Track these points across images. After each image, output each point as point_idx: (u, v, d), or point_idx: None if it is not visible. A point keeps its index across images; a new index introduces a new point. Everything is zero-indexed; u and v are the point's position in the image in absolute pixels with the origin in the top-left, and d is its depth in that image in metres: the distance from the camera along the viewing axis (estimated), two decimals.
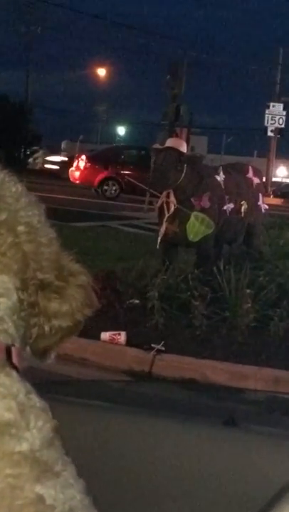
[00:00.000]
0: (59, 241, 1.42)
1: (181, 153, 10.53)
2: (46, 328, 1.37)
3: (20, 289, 1.33)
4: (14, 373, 1.24)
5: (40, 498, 1.13)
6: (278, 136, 26.65)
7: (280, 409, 2.89)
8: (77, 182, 36.13)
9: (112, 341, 8.39)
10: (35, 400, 1.25)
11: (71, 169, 37.15)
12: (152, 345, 7.90)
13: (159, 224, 10.65)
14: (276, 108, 24.42)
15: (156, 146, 12.05)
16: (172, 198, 10.28)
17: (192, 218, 10.17)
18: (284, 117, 25.06)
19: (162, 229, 10.48)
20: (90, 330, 8.45)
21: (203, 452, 1.99)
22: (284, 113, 25.24)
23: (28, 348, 1.39)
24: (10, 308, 1.32)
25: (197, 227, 10.21)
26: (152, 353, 7.69)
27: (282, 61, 34.92)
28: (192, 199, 10.33)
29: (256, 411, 2.91)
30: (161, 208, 10.52)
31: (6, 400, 1.19)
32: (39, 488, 1.14)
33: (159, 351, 7.72)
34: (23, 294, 1.34)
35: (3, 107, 40.22)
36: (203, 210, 10.32)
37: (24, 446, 1.17)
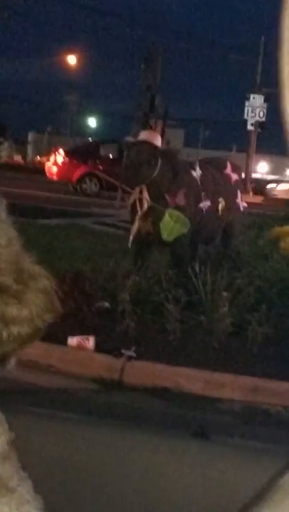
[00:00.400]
0: (20, 241, 1.43)
1: (155, 147, 10.56)
2: (4, 334, 1.36)
3: None
4: None
5: None
6: (259, 130, 26.77)
7: (258, 419, 2.91)
8: (55, 178, 36.03)
9: (79, 346, 8.40)
10: None
11: (47, 164, 37.07)
12: (123, 351, 7.93)
13: (131, 222, 10.66)
14: (256, 100, 24.64)
15: (129, 139, 12.05)
16: (145, 195, 10.30)
17: (166, 216, 10.20)
18: (265, 110, 25.25)
19: (135, 227, 10.51)
20: (56, 334, 8.46)
21: (170, 466, 2.01)
22: (265, 105, 25.43)
23: None
24: None
25: (172, 225, 10.24)
26: (123, 359, 7.71)
27: (263, 50, 35.10)
28: (166, 196, 10.36)
29: (232, 422, 2.94)
30: (133, 205, 10.53)
31: None
32: None
33: (129, 358, 7.75)
34: None
35: None
36: (178, 207, 10.36)
37: None
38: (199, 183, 10.74)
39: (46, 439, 2.04)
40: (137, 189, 10.37)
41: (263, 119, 25.01)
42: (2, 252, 1.36)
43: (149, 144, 10.55)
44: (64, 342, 8.41)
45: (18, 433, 1.99)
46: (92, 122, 56.79)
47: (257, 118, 24.48)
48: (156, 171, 10.25)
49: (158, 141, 10.75)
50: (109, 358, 7.92)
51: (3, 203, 1.43)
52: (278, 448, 2.02)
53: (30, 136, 47.85)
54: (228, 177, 11.27)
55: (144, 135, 11.02)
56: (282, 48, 0.71)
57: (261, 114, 24.52)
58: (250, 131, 26.15)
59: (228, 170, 11.36)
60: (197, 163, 11.21)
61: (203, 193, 10.72)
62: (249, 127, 25.00)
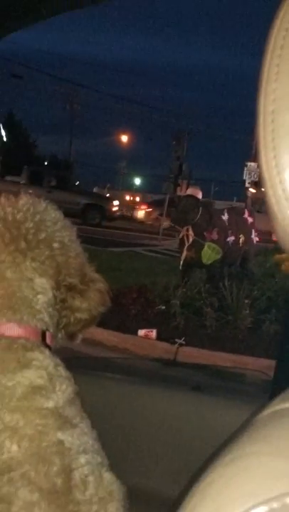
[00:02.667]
0: (85, 255, 1.45)
1: (197, 199, 10.52)
2: (71, 318, 1.39)
3: (55, 289, 1.35)
4: (47, 351, 1.27)
5: (61, 442, 1.15)
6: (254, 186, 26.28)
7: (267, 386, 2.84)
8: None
9: (146, 336, 8.33)
10: (62, 371, 1.26)
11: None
12: (176, 340, 7.85)
13: (181, 251, 10.63)
14: (252, 166, 24.17)
15: (181, 193, 12.00)
16: (191, 232, 10.26)
17: (206, 247, 10.17)
18: (258, 173, 24.75)
19: (183, 255, 10.48)
20: (130, 328, 8.48)
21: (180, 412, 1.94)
22: (258, 170, 24.93)
23: (61, 334, 1.41)
24: (46, 303, 1.33)
25: (209, 253, 10.20)
26: (176, 345, 7.62)
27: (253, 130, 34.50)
28: (205, 233, 10.34)
29: (252, 388, 2.82)
30: (182, 239, 10.50)
31: (39, 370, 1.21)
32: (60, 435, 1.16)
33: (180, 344, 7.62)
34: (57, 292, 1.36)
35: (54, 163, 40.31)
36: (213, 241, 10.32)
37: (50, 404, 1.19)
38: (227, 224, 10.70)
39: (115, 396, 1.98)
40: (185, 228, 10.33)
41: (257, 179, 24.53)
42: (72, 262, 1.37)
43: (193, 197, 10.52)
44: (135, 333, 8.34)
45: (95, 389, 1.94)
46: (137, 181, 56.27)
47: (252, 178, 24.01)
48: (198, 216, 10.22)
49: (199, 195, 10.69)
50: (167, 345, 7.82)
51: (75, 229, 1.45)
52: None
53: (95, 190, 47.37)
54: (246, 220, 11.18)
55: (190, 191, 10.95)
56: (258, 120, 0.61)
57: (255, 176, 24.03)
58: (247, 187, 25.62)
59: (246, 215, 11.29)
60: (225, 210, 11.15)
61: (229, 231, 10.66)
62: (247, 185, 24.49)
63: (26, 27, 1.67)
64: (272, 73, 0.61)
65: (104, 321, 8.05)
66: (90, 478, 1.14)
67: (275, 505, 0.48)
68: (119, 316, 8.81)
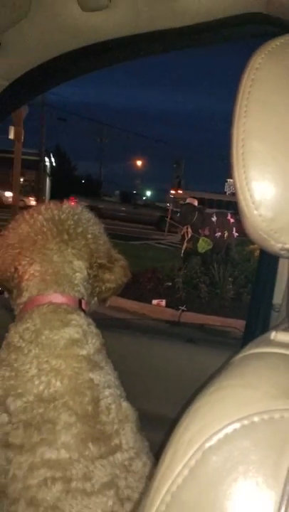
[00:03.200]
0: (111, 242, 1.43)
1: (194, 206, 10.52)
2: (103, 288, 1.37)
3: (88, 268, 1.33)
4: (82, 314, 1.25)
5: (91, 380, 1.14)
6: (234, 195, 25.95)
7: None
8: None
9: (158, 305, 8.31)
10: (93, 328, 1.25)
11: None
12: (179, 307, 7.82)
13: (182, 244, 10.67)
14: (231, 182, 24.05)
15: (182, 202, 11.99)
16: (189, 230, 10.28)
17: (200, 240, 10.18)
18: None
19: (184, 246, 10.50)
20: (146, 298, 8.46)
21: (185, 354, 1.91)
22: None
23: (95, 300, 1.39)
24: (82, 279, 1.31)
25: (203, 245, 10.21)
26: (179, 311, 7.60)
27: None
28: (200, 230, 10.34)
29: (232, 341, 2.75)
30: (183, 235, 10.55)
31: (76, 327, 1.20)
32: (91, 375, 1.15)
33: (183, 310, 7.62)
34: (90, 270, 1.34)
35: (89, 183, 40.34)
36: (205, 236, 10.33)
37: (84, 352, 1.18)
38: (215, 224, 10.68)
39: (133, 346, 1.94)
40: (185, 227, 10.36)
41: (234, 190, 24.29)
42: (101, 247, 1.36)
43: (191, 205, 10.52)
44: (150, 302, 8.35)
45: (119, 342, 1.88)
46: (148, 193, 55.84)
47: (231, 190, 23.92)
48: (195, 218, 10.22)
49: (195, 203, 10.69)
50: (173, 310, 7.78)
51: (102, 225, 1.43)
52: None
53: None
54: (229, 221, 11.15)
55: (188, 200, 10.96)
56: (233, 146, 0.62)
57: (233, 188, 23.84)
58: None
59: (228, 217, 11.25)
60: (214, 214, 11.14)
61: (217, 229, 10.66)
62: (228, 194, 24.35)
63: (66, 82, 1.66)
64: (242, 112, 0.62)
65: (127, 294, 8.12)
66: (112, 406, 1.14)
67: (245, 422, 0.49)
68: (138, 290, 8.82)
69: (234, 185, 0.64)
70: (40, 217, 1.33)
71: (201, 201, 12.75)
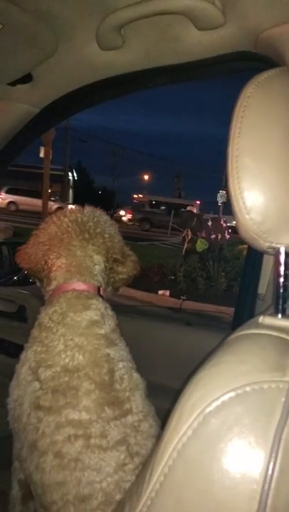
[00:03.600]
0: (124, 241, 1.41)
1: (193, 213, 10.58)
2: (116, 278, 1.37)
3: (105, 261, 1.33)
4: (100, 299, 1.25)
5: (108, 354, 1.14)
6: (223, 204, 25.61)
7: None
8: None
9: (163, 295, 8.32)
10: (109, 311, 1.25)
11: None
12: (180, 296, 7.81)
13: (183, 244, 10.65)
14: (222, 193, 23.78)
15: (183, 209, 12.02)
16: (189, 233, 10.28)
17: (198, 241, 10.17)
18: (225, 197, 24.02)
19: (184, 246, 10.49)
20: (153, 289, 8.45)
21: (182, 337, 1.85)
22: (226, 195, 24.19)
23: (110, 288, 1.38)
24: (100, 270, 1.31)
25: (200, 245, 10.19)
26: (181, 300, 7.58)
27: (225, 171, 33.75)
28: (198, 233, 10.33)
29: (224, 325, 2.68)
30: (184, 237, 10.55)
31: (95, 311, 1.20)
32: (108, 350, 1.15)
33: (183, 299, 7.61)
34: (106, 263, 1.34)
35: (104, 193, 40.26)
36: (202, 237, 10.32)
37: (102, 331, 1.18)
38: (210, 227, 10.68)
39: (142, 328, 1.90)
40: (185, 230, 10.36)
41: (225, 200, 23.86)
42: (116, 245, 1.35)
43: (191, 212, 10.57)
44: (156, 292, 8.35)
45: (129, 324, 1.76)
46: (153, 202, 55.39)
47: (223, 200, 23.64)
48: (194, 223, 10.22)
49: (194, 210, 10.79)
50: (175, 300, 7.78)
51: (117, 226, 1.42)
52: None
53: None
54: (222, 225, 11.15)
55: (189, 208, 11.01)
56: (228, 160, 0.63)
57: (224, 199, 23.49)
58: (219, 206, 25.08)
59: (222, 222, 11.25)
60: (210, 219, 11.17)
61: (212, 232, 10.67)
62: (219, 204, 24.09)
63: (86, 109, 1.67)
64: (236, 133, 0.62)
65: (137, 286, 8.09)
66: (125, 376, 1.14)
67: (239, 391, 0.51)
68: (146, 283, 8.79)
69: (228, 194, 0.65)
70: (65, 219, 1.33)
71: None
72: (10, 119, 1.59)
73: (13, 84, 1.45)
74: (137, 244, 15.07)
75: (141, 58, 1.36)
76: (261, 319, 0.61)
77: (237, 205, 0.62)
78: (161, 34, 1.26)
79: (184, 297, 7.87)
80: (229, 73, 1.39)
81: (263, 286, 1.61)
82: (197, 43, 1.25)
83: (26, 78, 1.43)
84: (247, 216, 0.62)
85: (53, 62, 1.38)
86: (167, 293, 8.39)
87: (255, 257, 1.66)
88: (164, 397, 1.19)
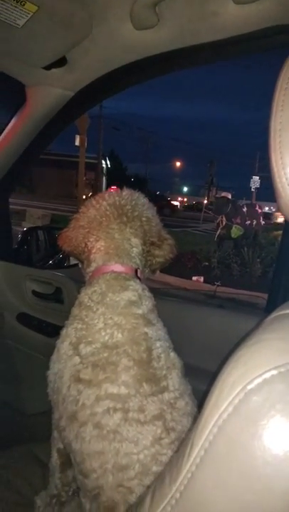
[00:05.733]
0: (162, 225, 1.38)
1: (228, 198, 10.42)
2: (153, 261, 1.36)
3: (143, 244, 1.32)
4: (138, 281, 1.26)
5: (146, 333, 1.14)
6: (257, 190, 25.14)
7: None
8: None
9: (197, 280, 8.33)
10: (147, 292, 1.24)
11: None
12: (215, 282, 7.80)
13: (217, 229, 10.56)
14: (255, 178, 23.41)
15: (217, 195, 11.92)
16: (224, 219, 10.15)
17: (234, 228, 10.06)
18: (259, 183, 23.65)
19: (218, 232, 10.40)
20: (187, 275, 8.46)
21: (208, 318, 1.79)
22: (259, 180, 23.79)
23: (147, 270, 1.37)
24: (138, 253, 1.31)
25: (235, 232, 10.08)
26: (215, 285, 7.58)
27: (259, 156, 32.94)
28: (232, 219, 10.19)
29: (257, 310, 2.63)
30: (218, 223, 10.42)
31: (133, 291, 1.20)
32: (146, 329, 1.15)
33: (218, 285, 7.61)
34: (144, 246, 1.33)
35: (137, 181, 40.19)
36: (237, 223, 10.18)
37: (140, 311, 1.18)
38: (245, 214, 10.50)
39: (178, 311, 1.81)
40: (220, 216, 10.24)
41: (258, 186, 23.45)
42: (153, 228, 1.34)
43: (225, 197, 10.42)
44: (190, 278, 8.37)
45: (169, 308, 1.78)
46: (185, 189, 54.85)
47: (256, 186, 23.23)
48: (229, 209, 10.08)
49: (229, 196, 10.64)
50: (209, 286, 7.78)
51: (155, 209, 1.39)
52: None
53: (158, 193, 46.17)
54: (256, 211, 10.95)
55: (223, 194, 10.91)
56: (270, 134, 0.61)
57: (258, 185, 23.10)
58: (252, 192, 24.62)
59: (256, 207, 11.06)
60: (245, 205, 11.00)
61: (247, 218, 10.49)
62: (252, 190, 23.71)
63: (121, 92, 1.65)
64: (279, 106, 0.60)
65: (172, 271, 8.09)
66: (162, 355, 1.15)
67: (282, 369, 0.50)
68: (181, 268, 8.84)
69: (270, 169, 0.63)
70: (104, 202, 1.34)
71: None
72: (45, 103, 1.59)
73: (48, 68, 1.44)
74: (171, 230, 15.06)
75: (177, 37, 1.33)
76: None
77: (279, 182, 0.60)
78: (197, 10, 1.22)
79: (218, 283, 7.89)
80: (268, 50, 1.34)
81: None
82: (234, 18, 1.21)
83: (61, 62, 1.42)
84: None
85: (88, 44, 1.37)
86: (201, 279, 8.37)
87: None
88: (198, 379, 1.19)
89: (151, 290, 1.31)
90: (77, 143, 14.17)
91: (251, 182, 24.17)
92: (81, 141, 14.05)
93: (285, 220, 1.64)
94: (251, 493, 0.48)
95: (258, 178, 24.19)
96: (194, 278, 8.42)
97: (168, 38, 1.34)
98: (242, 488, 0.49)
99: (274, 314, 0.60)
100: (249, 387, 0.50)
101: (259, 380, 0.50)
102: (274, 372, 0.49)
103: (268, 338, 0.54)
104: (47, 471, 1.32)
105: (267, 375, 0.50)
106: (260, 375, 0.50)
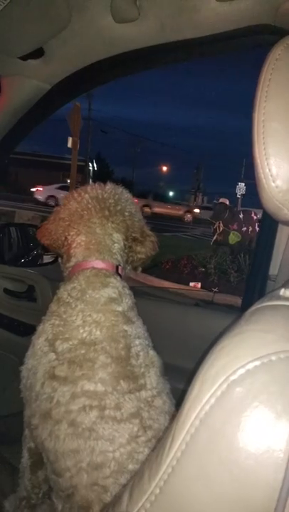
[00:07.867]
0: (144, 220, 1.41)
1: (226, 204, 10.56)
2: (135, 258, 1.37)
3: (125, 240, 1.34)
4: (118, 278, 1.27)
5: (125, 331, 1.16)
6: (242, 196, 25.41)
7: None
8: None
9: (194, 287, 8.30)
10: (126, 290, 1.26)
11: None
12: (212, 289, 7.78)
13: (214, 235, 10.66)
14: (241, 185, 23.88)
15: (215, 201, 12.09)
16: (221, 224, 10.29)
17: (231, 234, 10.19)
18: (245, 189, 24.07)
19: (214, 237, 10.51)
20: (184, 281, 8.44)
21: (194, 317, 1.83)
22: (244, 187, 24.20)
23: (128, 267, 1.39)
24: (119, 249, 1.32)
25: (233, 238, 10.18)
26: (212, 292, 7.57)
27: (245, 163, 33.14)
28: (229, 225, 10.31)
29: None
30: (215, 229, 10.54)
31: (113, 288, 1.21)
32: (125, 327, 1.17)
33: (215, 292, 7.58)
34: (126, 242, 1.34)
35: (123, 184, 40.24)
36: (234, 230, 10.30)
37: (120, 308, 1.19)
38: (242, 220, 10.64)
39: (148, 309, 1.81)
40: (218, 222, 10.38)
41: (244, 192, 23.84)
42: (136, 224, 1.35)
43: (223, 203, 10.58)
44: (188, 284, 8.34)
45: (150, 305, 1.85)
46: (170, 194, 54.23)
47: (242, 192, 23.62)
48: (226, 215, 10.24)
49: (227, 202, 10.78)
50: (207, 292, 7.78)
51: (138, 206, 1.42)
52: None
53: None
54: (252, 218, 11.05)
55: (221, 200, 11.08)
56: (254, 126, 0.63)
57: (243, 191, 23.51)
58: (238, 198, 24.94)
59: (252, 214, 11.15)
60: (241, 211, 11.14)
61: (243, 224, 10.60)
62: (238, 196, 24.09)
63: (100, 86, 1.65)
64: (263, 97, 0.62)
65: (168, 277, 8.05)
66: (141, 353, 1.16)
67: (264, 360, 0.50)
68: (177, 274, 8.87)
69: (254, 161, 0.64)
70: (86, 195, 1.35)
71: None
72: (20, 95, 1.58)
73: (24, 58, 1.44)
74: (161, 235, 15.06)
75: (157, 32, 1.34)
76: (283, 292, 0.61)
77: (262, 172, 0.62)
78: (178, 5, 1.24)
79: (215, 290, 7.87)
80: (247, 49, 1.37)
81: (275, 267, 1.59)
82: (215, 15, 1.23)
83: (38, 53, 1.43)
84: (273, 184, 0.61)
85: (66, 35, 1.37)
86: (199, 285, 8.36)
87: (266, 237, 1.64)
88: (177, 378, 1.22)
89: (131, 288, 1.31)
90: (69, 145, 14.12)
91: (237, 188, 24.56)
92: (74, 143, 13.99)
93: (263, 217, 1.69)
94: (234, 485, 0.48)
95: (243, 184, 24.55)
96: (192, 284, 8.40)
97: (149, 33, 1.35)
98: (224, 480, 0.49)
99: (255, 306, 0.61)
100: (232, 378, 0.50)
101: (242, 370, 0.50)
102: (257, 363, 0.50)
103: (251, 329, 0.55)
104: (17, 474, 1.31)
105: (250, 366, 0.50)
106: (243, 366, 0.50)
